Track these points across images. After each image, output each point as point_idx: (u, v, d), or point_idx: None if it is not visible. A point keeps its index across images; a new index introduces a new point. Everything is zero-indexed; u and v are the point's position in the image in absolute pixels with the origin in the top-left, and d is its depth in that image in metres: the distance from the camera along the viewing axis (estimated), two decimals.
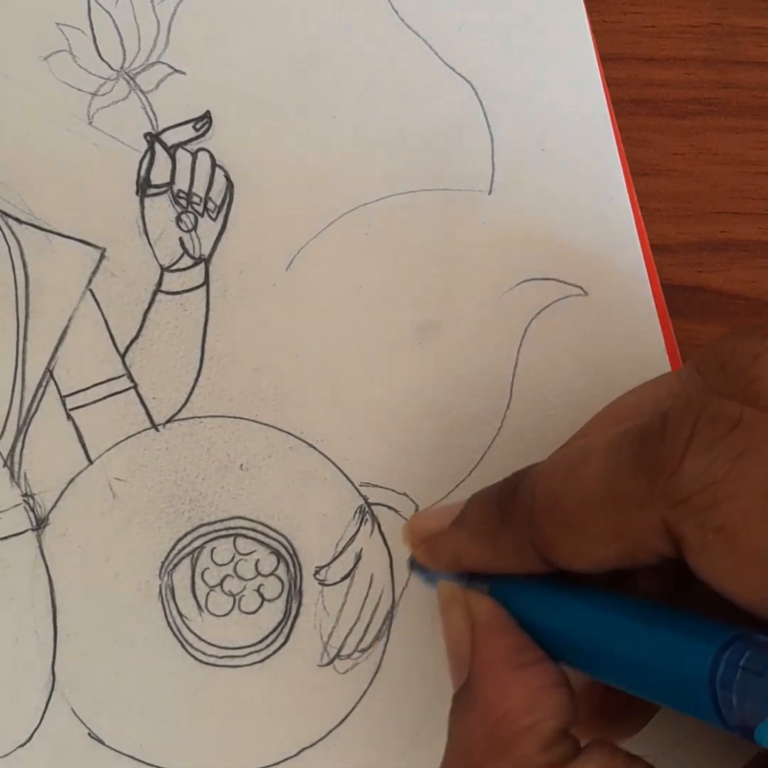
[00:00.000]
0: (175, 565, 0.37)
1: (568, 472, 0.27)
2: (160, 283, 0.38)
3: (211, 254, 0.39)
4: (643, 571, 0.31)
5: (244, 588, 0.37)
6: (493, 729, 0.28)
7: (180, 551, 0.37)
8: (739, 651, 0.24)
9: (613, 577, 0.30)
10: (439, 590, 0.32)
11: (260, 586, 0.37)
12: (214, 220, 0.39)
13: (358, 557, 0.37)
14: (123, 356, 0.38)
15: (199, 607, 0.37)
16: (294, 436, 0.38)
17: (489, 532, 0.30)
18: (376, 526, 0.37)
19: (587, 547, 0.27)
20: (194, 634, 0.37)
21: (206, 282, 0.38)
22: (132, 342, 0.38)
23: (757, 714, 0.23)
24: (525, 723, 0.27)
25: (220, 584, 0.37)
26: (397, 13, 0.40)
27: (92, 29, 0.39)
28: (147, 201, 0.39)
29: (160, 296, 0.38)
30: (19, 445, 0.37)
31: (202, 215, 0.39)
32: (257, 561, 0.37)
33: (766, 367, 0.28)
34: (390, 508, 0.37)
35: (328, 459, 0.38)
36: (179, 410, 0.38)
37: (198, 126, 0.39)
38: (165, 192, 0.39)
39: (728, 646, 0.24)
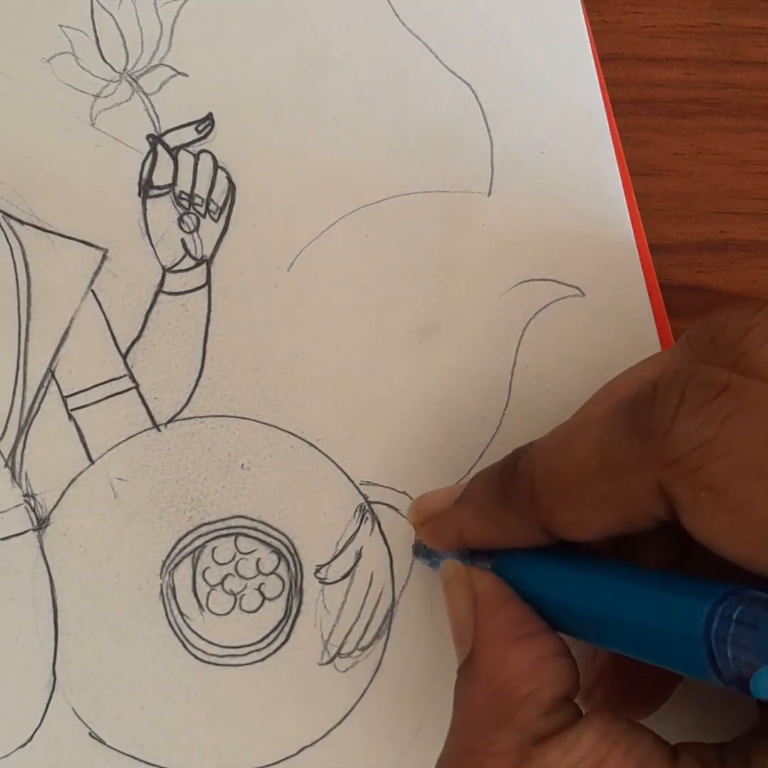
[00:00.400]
0: (177, 565, 0.37)
1: (565, 444, 0.28)
2: (161, 284, 0.38)
3: (212, 255, 0.39)
4: (644, 541, 0.31)
5: (245, 587, 0.37)
6: (494, 698, 0.29)
7: (181, 550, 0.37)
8: (732, 605, 0.24)
9: (616, 548, 0.31)
10: (442, 569, 0.33)
11: (261, 584, 0.37)
12: (216, 221, 0.39)
13: (359, 556, 0.37)
14: (124, 356, 0.38)
15: (200, 606, 0.37)
16: (295, 435, 0.38)
17: (492, 508, 0.31)
18: (376, 525, 0.37)
19: (586, 516, 0.28)
20: (195, 633, 0.37)
21: (208, 283, 0.39)
22: (134, 342, 0.38)
23: (752, 664, 0.24)
24: (525, 691, 0.28)
25: (221, 583, 0.37)
26: (397, 16, 0.40)
27: (95, 31, 0.40)
28: (149, 202, 0.39)
29: (161, 297, 0.38)
30: (21, 445, 0.37)
31: (204, 216, 0.39)
32: (258, 560, 0.37)
33: (756, 340, 0.28)
34: (390, 506, 0.38)
35: (329, 458, 0.38)
36: (180, 410, 0.38)
37: (200, 128, 0.39)
38: (167, 193, 0.39)
39: (722, 602, 0.25)
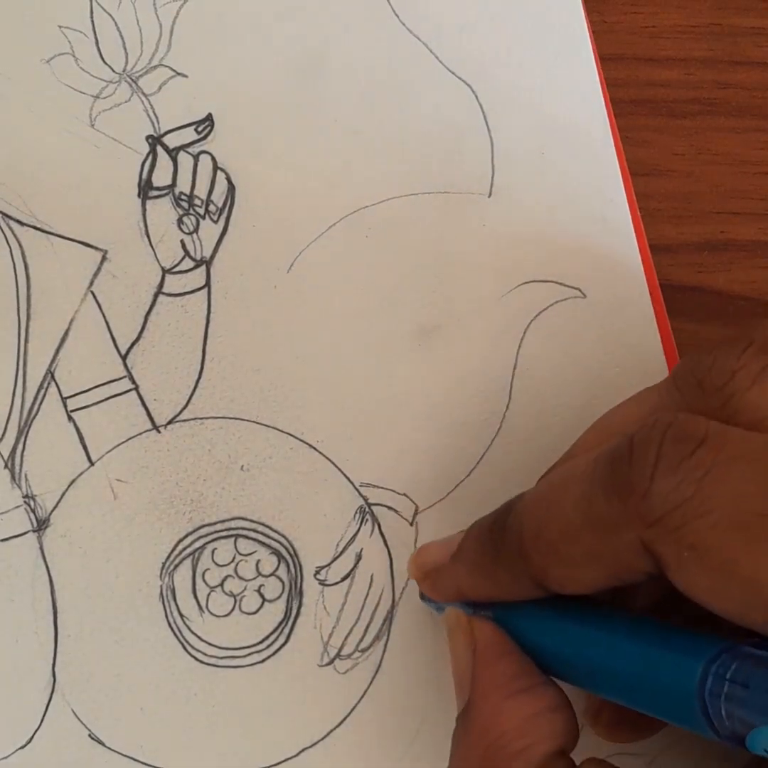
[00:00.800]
0: (176, 566, 0.37)
1: (551, 501, 0.28)
2: (161, 285, 0.38)
3: (212, 256, 0.39)
4: (639, 587, 0.31)
5: (245, 588, 0.37)
6: (487, 752, 0.29)
7: (181, 552, 0.37)
8: (726, 663, 0.24)
9: (614, 594, 0.31)
10: (445, 617, 0.34)
11: (261, 586, 0.37)
12: (216, 222, 0.39)
13: (359, 557, 0.37)
14: (124, 358, 0.38)
15: (200, 607, 0.37)
16: (294, 437, 0.38)
17: (485, 565, 0.31)
18: (376, 527, 0.37)
19: (575, 572, 0.28)
20: (195, 634, 0.37)
21: (207, 284, 0.38)
22: (133, 344, 0.38)
23: (747, 723, 0.24)
24: (517, 747, 0.28)
25: (221, 585, 0.37)
26: (397, 16, 0.40)
27: (95, 32, 0.40)
28: (149, 203, 0.39)
29: (161, 298, 0.38)
30: (20, 446, 0.37)
31: (203, 218, 0.39)
32: (258, 561, 0.37)
33: (742, 383, 0.28)
34: (390, 508, 0.38)
35: (329, 460, 0.38)
36: (180, 412, 0.38)
37: (200, 129, 0.39)
38: (167, 194, 0.39)
39: (716, 659, 0.25)
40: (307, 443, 0.38)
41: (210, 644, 0.37)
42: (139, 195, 0.39)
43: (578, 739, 0.30)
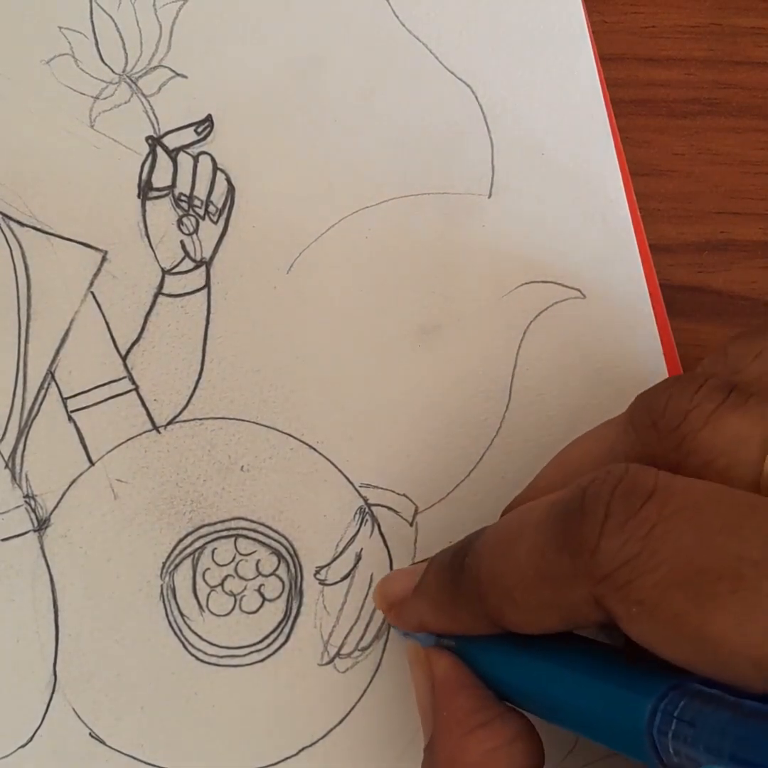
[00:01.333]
0: (177, 566, 0.37)
1: (506, 548, 0.29)
2: (161, 286, 0.38)
3: (212, 257, 0.39)
4: None
5: (245, 588, 0.37)
6: None
7: (181, 552, 0.37)
8: (674, 701, 0.25)
9: None
10: (407, 650, 0.35)
11: (261, 585, 0.37)
12: (216, 223, 0.39)
13: (358, 557, 0.37)
14: (124, 358, 0.38)
15: (201, 607, 0.37)
16: (294, 437, 0.38)
17: (444, 603, 0.31)
18: (376, 527, 0.38)
19: (530, 617, 0.28)
20: (195, 633, 0.37)
21: (207, 285, 0.39)
22: (133, 344, 0.38)
23: (693, 760, 0.24)
24: None
25: (221, 584, 0.37)
26: (397, 17, 0.40)
27: (94, 33, 0.40)
28: (148, 204, 0.39)
29: (161, 299, 0.38)
30: (21, 446, 0.37)
31: (203, 218, 0.39)
32: (258, 561, 0.37)
33: (695, 424, 0.28)
34: (390, 508, 0.38)
35: (329, 460, 0.38)
36: (180, 412, 0.38)
37: (199, 129, 0.39)
38: (166, 195, 0.39)
39: (664, 697, 0.25)
40: (307, 444, 0.38)
41: (210, 643, 0.37)
42: (139, 196, 0.39)
43: (544, 763, 0.30)
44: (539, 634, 0.29)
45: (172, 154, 0.39)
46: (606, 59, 0.41)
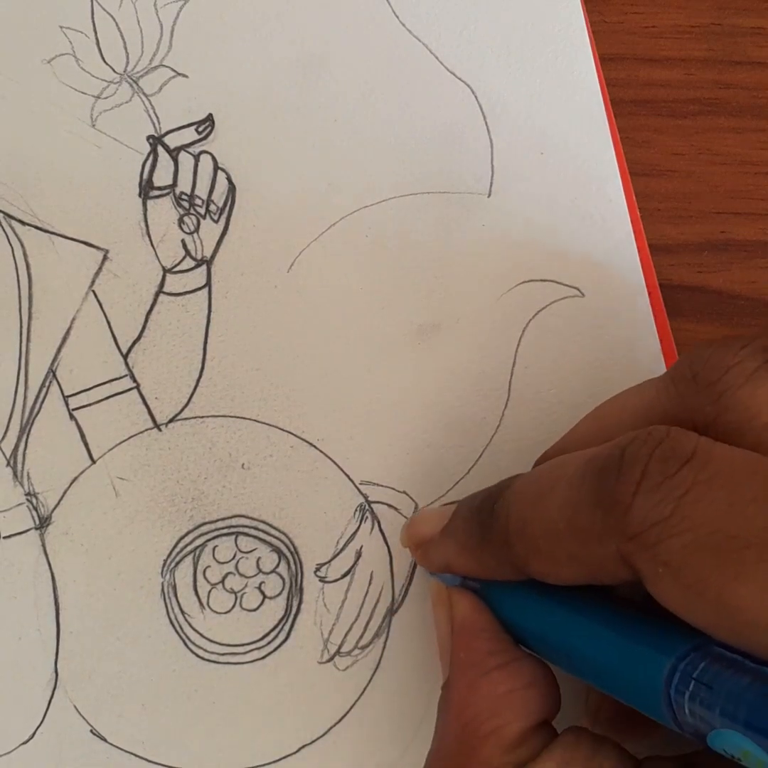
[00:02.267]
0: (177, 563, 0.37)
1: (538, 498, 0.29)
2: (162, 285, 0.39)
3: (213, 256, 0.39)
4: None
5: (246, 585, 0.37)
6: (463, 731, 0.30)
7: (182, 549, 0.37)
8: (694, 662, 0.25)
9: None
10: (429, 589, 0.35)
11: (261, 583, 0.37)
12: (216, 222, 0.39)
13: (359, 555, 0.37)
14: (125, 357, 0.38)
15: (201, 604, 0.37)
16: (295, 435, 0.38)
17: (471, 546, 0.32)
18: (376, 524, 0.38)
19: (555, 568, 0.28)
20: (196, 631, 0.37)
21: (208, 283, 0.39)
22: (134, 343, 0.38)
23: (708, 723, 0.24)
24: (490, 727, 0.29)
25: (222, 582, 0.37)
26: (397, 17, 0.40)
27: (95, 32, 0.40)
28: (150, 203, 0.39)
29: (162, 297, 0.38)
30: (23, 444, 0.37)
31: (204, 217, 0.39)
32: (258, 559, 0.37)
33: (735, 380, 0.28)
34: (390, 506, 0.38)
35: (329, 458, 0.38)
36: (181, 410, 0.38)
37: (200, 129, 0.39)
38: (167, 194, 0.39)
39: (685, 657, 0.25)
40: (307, 441, 0.38)
41: (211, 641, 0.37)
42: (140, 195, 0.39)
43: (559, 710, 0.30)
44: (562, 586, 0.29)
45: (173, 153, 0.39)
46: (606, 59, 0.41)
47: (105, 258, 0.38)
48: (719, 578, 0.24)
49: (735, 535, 0.24)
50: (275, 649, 0.37)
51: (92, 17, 0.40)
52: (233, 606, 0.37)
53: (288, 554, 0.37)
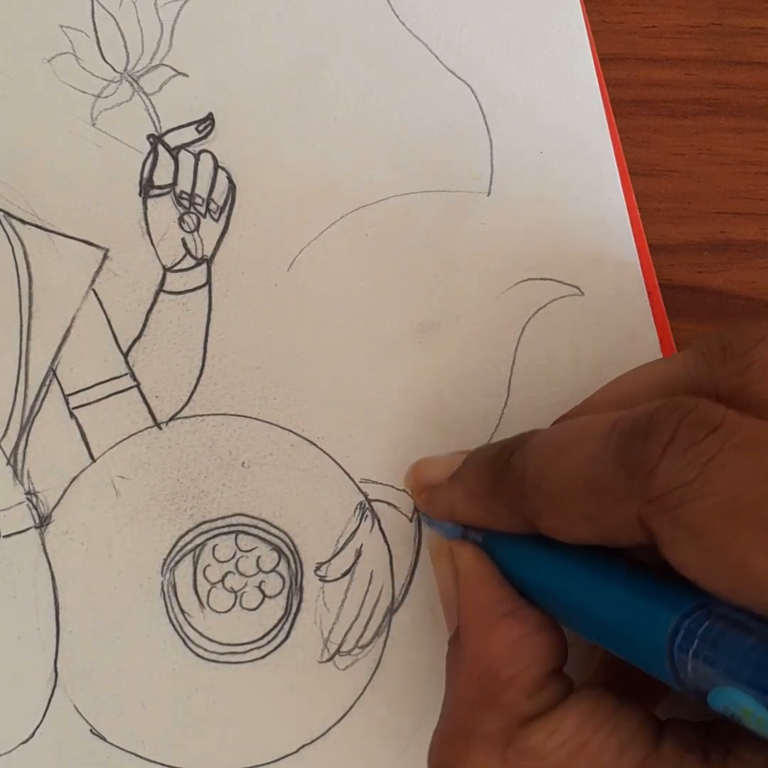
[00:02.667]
0: (177, 562, 0.37)
1: (558, 453, 0.29)
2: (162, 283, 0.39)
3: (213, 255, 0.39)
4: None
5: (246, 584, 0.37)
6: (481, 680, 0.30)
7: (182, 548, 0.37)
8: (699, 620, 0.25)
9: None
10: (428, 542, 0.35)
11: (261, 582, 0.37)
12: (217, 221, 0.39)
13: (359, 553, 0.37)
14: (126, 355, 0.38)
15: (201, 603, 0.37)
16: (295, 433, 0.38)
17: (482, 495, 0.32)
18: (376, 523, 0.38)
19: (569, 525, 0.28)
20: (196, 630, 0.37)
21: (208, 282, 0.39)
22: (135, 341, 0.38)
23: (710, 681, 0.24)
24: (509, 673, 0.29)
25: (222, 581, 0.37)
26: (397, 16, 0.40)
27: (96, 32, 0.40)
28: (150, 202, 0.39)
29: (162, 296, 0.38)
30: (23, 443, 0.37)
31: (204, 216, 0.39)
32: (258, 558, 0.37)
33: (764, 353, 0.29)
34: (390, 504, 0.38)
35: (329, 456, 0.38)
36: (181, 409, 0.38)
37: (201, 128, 0.39)
38: (168, 193, 0.39)
39: (689, 615, 0.25)
40: (307, 440, 0.38)
41: (211, 640, 0.37)
42: (140, 194, 0.39)
43: (567, 656, 0.31)
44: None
45: (174, 152, 0.39)
46: (606, 59, 0.41)
47: (105, 257, 0.38)
48: (739, 543, 0.24)
49: (757, 502, 0.24)
50: (275, 649, 0.37)
51: (92, 16, 0.40)
52: (233, 605, 0.37)
53: (288, 553, 0.37)
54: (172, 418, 0.38)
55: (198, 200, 0.39)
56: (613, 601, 0.28)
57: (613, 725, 0.28)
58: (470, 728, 0.30)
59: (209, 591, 0.37)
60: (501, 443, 0.32)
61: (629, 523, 0.26)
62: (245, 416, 0.38)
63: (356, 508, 0.38)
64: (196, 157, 0.39)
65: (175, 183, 0.39)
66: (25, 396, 0.38)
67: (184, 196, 0.39)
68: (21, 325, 0.38)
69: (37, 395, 0.38)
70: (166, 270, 0.39)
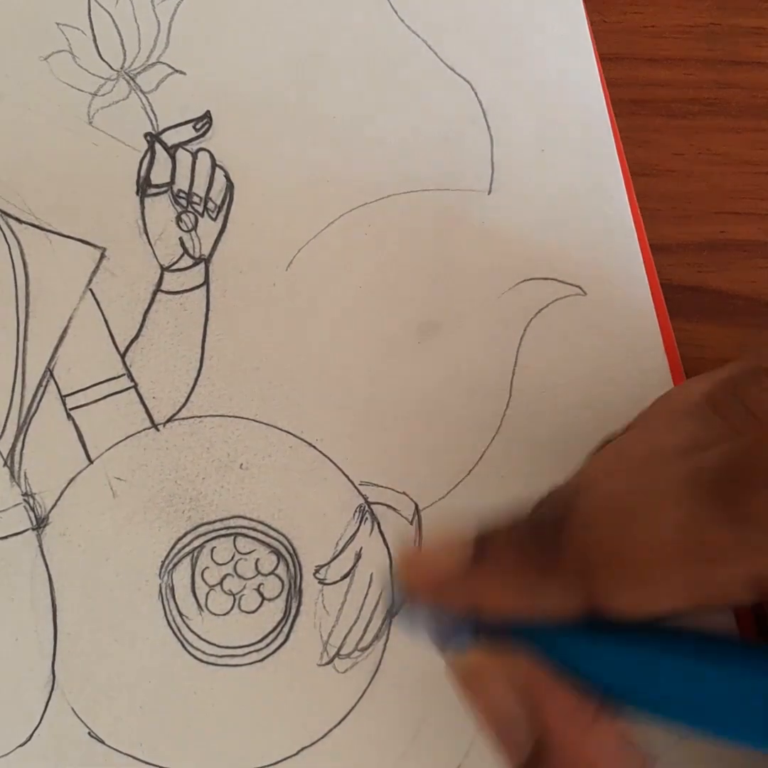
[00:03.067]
0: (175, 565, 0.37)
1: (630, 517, 0.25)
2: (160, 283, 0.38)
3: (211, 254, 0.39)
4: None
5: (244, 587, 0.37)
6: None
7: (180, 550, 0.37)
8: None
9: None
10: (460, 662, 0.29)
11: (260, 585, 0.37)
12: (214, 219, 0.39)
13: (358, 556, 0.37)
14: (123, 356, 0.38)
15: (199, 606, 0.37)
16: (294, 435, 0.38)
17: (528, 577, 0.26)
18: (375, 525, 0.37)
19: (654, 599, 0.25)
20: (194, 633, 0.37)
21: (206, 282, 0.38)
22: (132, 341, 0.38)
23: None
24: None
25: (220, 583, 0.37)
26: (396, 13, 0.40)
27: (92, 29, 0.40)
28: (147, 201, 0.39)
29: (160, 296, 0.38)
30: (20, 444, 0.37)
31: (202, 215, 0.39)
32: (257, 560, 0.37)
33: None
34: (389, 507, 0.37)
35: (328, 458, 0.38)
36: (179, 410, 0.38)
37: (198, 126, 0.39)
38: (165, 192, 0.39)
39: None
40: (306, 441, 0.38)
41: (209, 643, 0.37)
42: (137, 192, 0.39)
43: None
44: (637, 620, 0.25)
45: (171, 150, 0.39)
46: (606, 59, 0.41)
47: (102, 256, 0.38)
48: None
49: None
50: (274, 651, 0.37)
51: (89, 14, 0.40)
52: (232, 608, 0.37)
53: (287, 555, 0.37)
54: (169, 420, 0.38)
55: (195, 199, 0.39)
56: (702, 679, 0.24)
57: None
58: None
59: (208, 593, 0.37)
60: (537, 513, 0.27)
61: (738, 584, 0.23)
62: (243, 417, 0.38)
63: (356, 511, 0.37)
64: (194, 155, 0.39)
65: (172, 181, 0.39)
66: (22, 397, 0.37)
67: (181, 194, 0.39)
68: (17, 325, 0.38)
69: (34, 396, 0.37)
70: (164, 269, 0.38)
